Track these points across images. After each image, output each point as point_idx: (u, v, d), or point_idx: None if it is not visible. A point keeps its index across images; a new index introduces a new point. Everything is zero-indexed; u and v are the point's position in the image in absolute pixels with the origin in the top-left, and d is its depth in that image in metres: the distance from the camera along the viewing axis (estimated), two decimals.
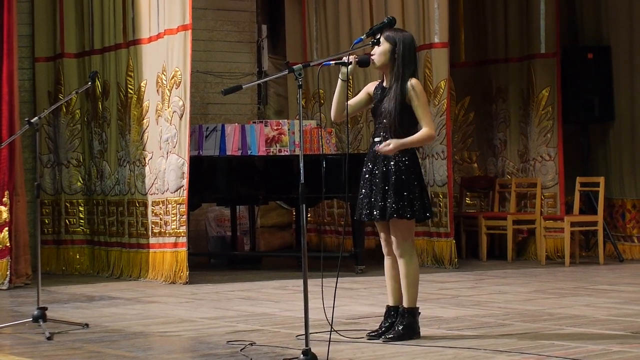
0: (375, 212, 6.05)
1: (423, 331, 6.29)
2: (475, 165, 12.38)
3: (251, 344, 5.91)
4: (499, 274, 10.09)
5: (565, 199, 11.58)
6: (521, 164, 11.89)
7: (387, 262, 6.15)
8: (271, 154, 10.49)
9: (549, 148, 11.58)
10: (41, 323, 6.66)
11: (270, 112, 12.95)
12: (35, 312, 6.75)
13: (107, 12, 10.61)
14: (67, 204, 10.96)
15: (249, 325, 6.78)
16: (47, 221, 10.94)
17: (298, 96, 5.44)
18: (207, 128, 10.53)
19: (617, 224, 11.64)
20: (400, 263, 6.05)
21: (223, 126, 10.49)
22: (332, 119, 6.24)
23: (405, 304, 6.06)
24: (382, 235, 6.17)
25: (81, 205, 10.95)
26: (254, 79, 12.37)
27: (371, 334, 6.12)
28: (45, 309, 6.79)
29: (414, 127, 6.01)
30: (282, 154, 10.54)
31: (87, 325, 6.82)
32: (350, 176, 8.68)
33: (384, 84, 6.16)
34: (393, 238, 6.08)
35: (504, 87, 12.05)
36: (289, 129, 10.64)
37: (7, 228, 9.54)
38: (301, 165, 5.26)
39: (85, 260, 10.87)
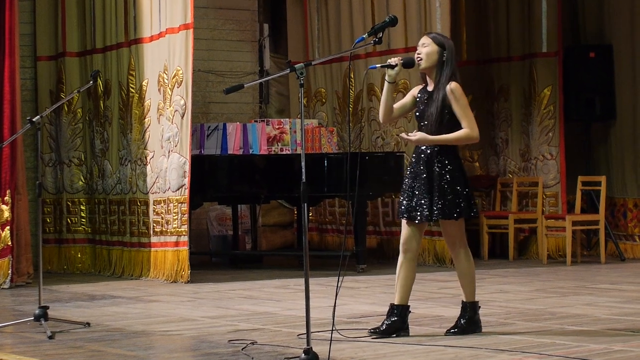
0: (416, 214, 6.08)
1: (424, 330, 6.31)
2: (477, 164, 12.37)
3: (252, 343, 5.90)
4: (500, 273, 10.08)
5: (567, 198, 11.57)
6: (523, 163, 11.88)
7: (401, 259, 6.13)
8: (273, 153, 10.49)
9: (550, 147, 11.57)
10: (42, 322, 6.66)
11: (272, 111, 12.95)
12: (37, 311, 6.75)
13: (108, 11, 10.61)
14: (69, 203, 10.96)
15: (250, 324, 6.78)
16: (48, 220, 10.94)
17: (300, 95, 5.44)
18: (209, 127, 10.53)
19: (619, 223, 11.63)
20: (459, 260, 6.17)
21: (225, 125, 10.49)
22: (381, 121, 6.38)
23: (466, 298, 6.20)
24: (407, 234, 6.13)
25: (83, 204, 10.95)
26: (256, 78, 12.36)
27: (372, 330, 6.13)
28: (46, 308, 6.79)
29: (454, 129, 6.08)
30: (284, 153, 10.54)
31: (88, 324, 6.82)
32: (352, 175, 8.71)
33: (429, 87, 6.20)
34: (448, 239, 6.21)
35: (506, 86, 12.04)
36: (290, 128, 10.65)
37: (8, 227, 9.53)
38: (303, 164, 5.26)
39: (86, 259, 10.87)
